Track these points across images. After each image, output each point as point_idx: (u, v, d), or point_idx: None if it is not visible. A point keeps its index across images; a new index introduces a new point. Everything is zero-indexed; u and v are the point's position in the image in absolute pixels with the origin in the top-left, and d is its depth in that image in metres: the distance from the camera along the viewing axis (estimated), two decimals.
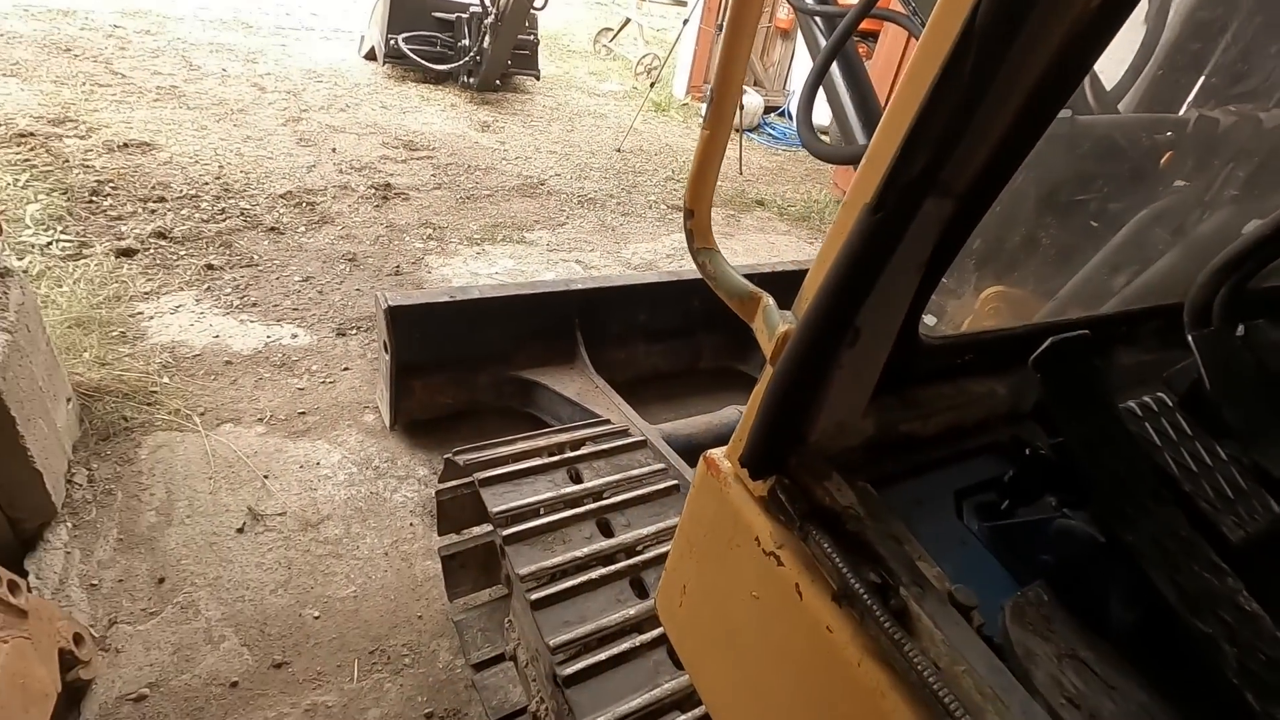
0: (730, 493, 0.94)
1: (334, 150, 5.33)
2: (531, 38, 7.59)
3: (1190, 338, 1.08)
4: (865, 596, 0.74)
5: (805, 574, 0.82)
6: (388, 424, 2.87)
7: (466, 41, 7.05)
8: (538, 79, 8.01)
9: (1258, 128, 1.52)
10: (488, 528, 2.14)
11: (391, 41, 6.95)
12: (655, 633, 1.52)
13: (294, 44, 7.70)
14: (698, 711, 1.41)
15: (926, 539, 0.91)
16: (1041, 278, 1.51)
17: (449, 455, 2.00)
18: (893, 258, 0.74)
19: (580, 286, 2.99)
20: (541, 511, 1.78)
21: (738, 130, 7.03)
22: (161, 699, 1.89)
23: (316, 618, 2.18)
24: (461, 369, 2.84)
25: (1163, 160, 1.68)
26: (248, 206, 4.30)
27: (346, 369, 3.22)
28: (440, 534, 2.17)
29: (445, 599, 2.22)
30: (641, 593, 1.62)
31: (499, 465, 1.88)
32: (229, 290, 3.55)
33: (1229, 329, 1.18)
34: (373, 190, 4.85)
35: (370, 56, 7.51)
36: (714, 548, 0.99)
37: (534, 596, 1.54)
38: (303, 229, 4.23)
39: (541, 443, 2.05)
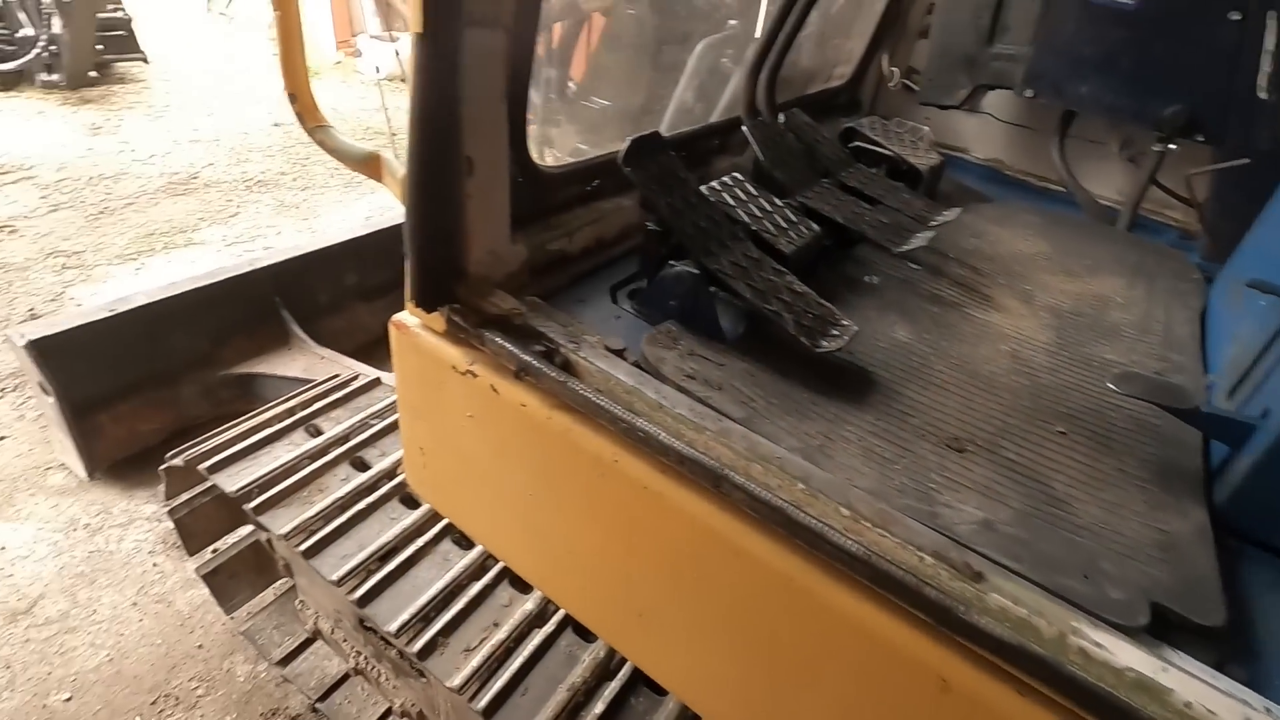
0: (421, 342, 1.04)
1: None
2: (121, 14, 6.37)
3: (744, 128, 1.40)
4: (536, 363, 0.90)
5: (495, 374, 0.97)
6: (84, 475, 2.46)
7: (29, 30, 5.70)
8: (147, 62, 6.79)
9: None
10: (245, 530, 2.00)
11: None
12: (435, 529, 1.60)
13: None
14: (496, 570, 1.53)
15: (589, 322, 1.11)
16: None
17: (164, 465, 1.81)
18: (463, 86, 0.87)
19: (270, 262, 2.77)
20: (288, 473, 1.72)
21: (390, 79, 6.74)
22: None
23: (67, 700, 1.89)
24: (156, 386, 2.51)
25: None
26: None
27: (3, 438, 2.65)
28: (192, 554, 1.98)
29: (224, 618, 2.06)
30: (413, 505, 1.68)
31: (226, 449, 1.77)
32: None
33: (773, 117, 1.54)
34: None
35: None
36: (427, 397, 1.09)
37: (303, 547, 1.53)
38: None
39: (269, 414, 1.94)
